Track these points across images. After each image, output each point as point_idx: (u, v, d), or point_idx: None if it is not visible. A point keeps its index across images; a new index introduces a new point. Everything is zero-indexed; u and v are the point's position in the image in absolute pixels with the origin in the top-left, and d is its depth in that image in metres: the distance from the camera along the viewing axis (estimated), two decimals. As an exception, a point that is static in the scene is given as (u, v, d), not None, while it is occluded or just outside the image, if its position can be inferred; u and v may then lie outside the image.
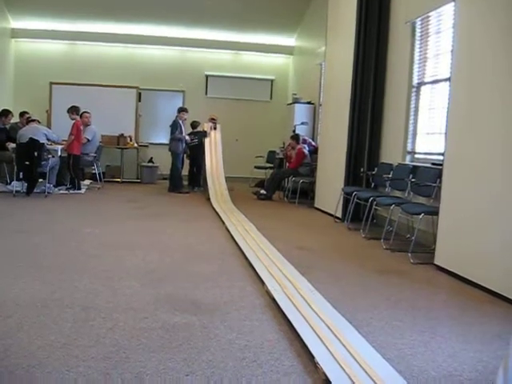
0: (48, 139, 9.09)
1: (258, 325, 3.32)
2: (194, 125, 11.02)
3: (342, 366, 2.66)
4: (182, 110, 10.68)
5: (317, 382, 2.59)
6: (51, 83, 11.99)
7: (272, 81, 13.70)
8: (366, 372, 2.62)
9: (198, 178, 11.00)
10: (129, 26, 12.51)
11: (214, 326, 3.25)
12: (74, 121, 9.57)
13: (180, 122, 10.46)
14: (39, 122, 9.58)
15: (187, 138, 10.59)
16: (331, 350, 2.84)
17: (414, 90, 6.87)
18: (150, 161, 12.31)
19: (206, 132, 10.75)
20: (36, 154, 8.59)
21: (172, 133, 10.37)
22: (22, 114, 10.20)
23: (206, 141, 10.58)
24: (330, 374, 2.58)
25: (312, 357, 2.80)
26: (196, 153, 10.82)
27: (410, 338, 3.24)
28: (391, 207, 6.10)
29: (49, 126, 11.28)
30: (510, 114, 4.25)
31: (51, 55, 12.72)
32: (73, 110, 9.69)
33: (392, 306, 3.88)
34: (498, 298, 4.15)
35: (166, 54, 13.20)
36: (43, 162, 8.78)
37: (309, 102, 11.32)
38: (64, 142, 9.66)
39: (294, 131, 10.65)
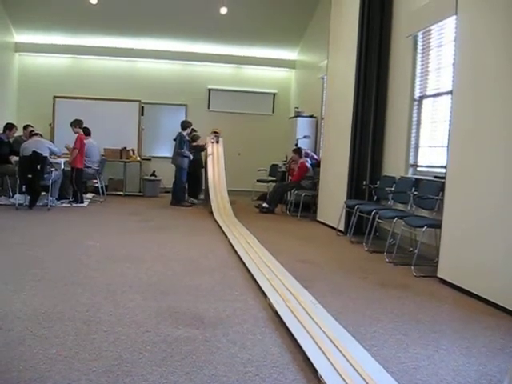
0: (51, 153, 9.11)
1: (261, 338, 3.31)
2: (193, 139, 11.02)
3: (344, 380, 2.65)
4: (188, 125, 10.68)
5: (320, 395, 2.58)
6: (54, 97, 12.04)
7: (274, 94, 13.74)
8: (369, 386, 2.60)
9: (195, 191, 11.00)
10: (131, 40, 12.61)
11: (217, 340, 3.24)
12: (77, 134, 9.61)
13: (187, 137, 10.49)
14: (41, 136, 9.60)
15: (191, 156, 10.61)
16: (334, 364, 2.83)
17: (416, 103, 6.88)
18: (153, 174, 12.33)
19: (202, 146, 10.83)
20: (39, 167, 8.62)
21: (180, 148, 10.34)
22: (25, 127, 10.22)
23: (209, 154, 10.61)
24: (333, 387, 2.57)
25: (315, 370, 2.78)
26: (192, 166, 10.80)
27: (413, 352, 3.22)
28: (394, 220, 6.09)
29: (52, 139, 11.29)
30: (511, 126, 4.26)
31: (55, 69, 12.79)
32: (76, 124, 9.74)
33: (395, 320, 3.86)
34: (502, 311, 4.14)
35: (168, 68, 13.26)
36: (46, 175, 8.80)
37: (311, 116, 11.36)
38: (67, 155, 9.71)
39: (296, 145, 10.66)
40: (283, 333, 3.41)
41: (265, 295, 4.19)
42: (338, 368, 2.78)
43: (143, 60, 13.05)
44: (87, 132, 10.21)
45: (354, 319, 3.79)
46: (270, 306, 3.94)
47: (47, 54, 12.72)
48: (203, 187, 11.15)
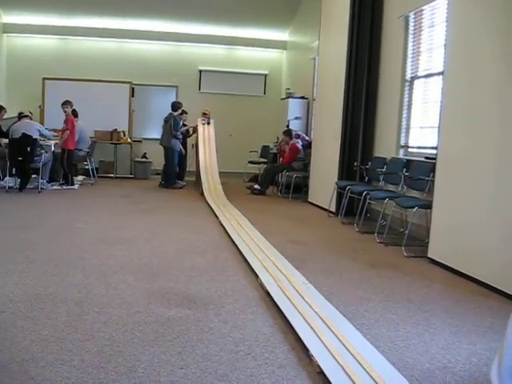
0: (41, 135, 9.05)
1: (253, 318, 3.33)
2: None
3: (336, 359, 2.67)
4: (179, 105, 10.57)
5: (311, 374, 2.60)
6: (44, 78, 11.92)
7: (265, 75, 13.68)
8: (359, 364, 2.63)
9: (180, 173, 10.94)
10: (122, 20, 12.47)
11: (209, 320, 3.25)
12: (66, 115, 9.50)
13: (179, 118, 10.40)
14: (31, 118, 9.51)
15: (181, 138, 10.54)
16: (325, 343, 2.85)
17: (408, 84, 6.87)
18: (144, 156, 12.28)
19: (188, 131, 10.79)
20: (29, 149, 8.56)
21: (176, 129, 10.22)
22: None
23: (200, 135, 10.56)
24: (324, 366, 2.59)
25: (306, 349, 2.81)
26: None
27: (403, 331, 3.25)
28: (385, 201, 6.11)
29: (41, 121, 11.22)
30: (503, 108, 4.26)
31: (44, 50, 12.66)
32: (67, 104, 9.62)
33: (386, 299, 3.89)
34: (491, 291, 4.18)
35: (159, 49, 13.16)
36: (36, 158, 8.75)
37: (302, 97, 11.33)
38: (56, 137, 9.65)
39: (287, 126, 10.65)
40: (275, 313, 3.43)
41: (256, 276, 4.20)
42: (329, 347, 2.80)
43: (134, 41, 12.93)
44: (75, 114, 10.11)
45: (345, 299, 3.82)
46: (262, 286, 3.95)
47: (36, 35, 12.56)
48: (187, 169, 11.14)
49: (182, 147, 10.62)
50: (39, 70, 12.06)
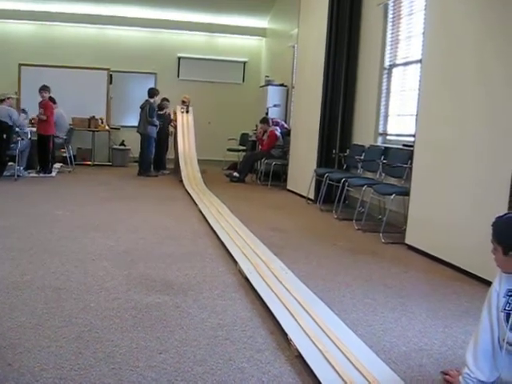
0: (13, 122, 8.80)
1: (231, 303, 3.33)
2: (161, 107, 10.79)
3: (314, 342, 2.69)
4: (156, 92, 10.49)
5: (290, 358, 2.62)
6: (20, 64, 11.74)
7: (245, 63, 13.61)
8: (338, 348, 2.65)
9: (163, 161, 10.89)
10: (100, 6, 12.27)
11: (187, 306, 3.26)
12: (43, 100, 9.33)
13: (154, 105, 10.32)
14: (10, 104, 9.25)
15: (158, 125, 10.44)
16: (304, 327, 2.87)
17: (386, 71, 6.90)
18: (122, 144, 12.17)
19: (170, 117, 10.73)
20: (5, 136, 8.42)
21: (150, 116, 10.12)
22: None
23: (179, 123, 10.50)
24: (302, 350, 2.61)
25: (285, 334, 2.83)
26: (159, 136, 10.63)
27: (381, 315, 3.29)
28: (363, 188, 6.15)
29: (18, 108, 11.05)
30: (481, 96, 4.30)
31: (20, 36, 12.42)
32: (45, 89, 9.45)
33: (364, 284, 3.92)
34: (467, 276, 4.23)
35: (137, 36, 13.01)
36: (12, 145, 8.61)
37: (281, 85, 11.32)
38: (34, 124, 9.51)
39: (266, 114, 10.63)
40: (253, 298, 3.44)
41: (235, 262, 4.21)
42: (307, 331, 2.82)
43: (112, 27, 12.72)
44: (52, 101, 9.95)
45: (323, 285, 3.85)
46: (241, 272, 3.96)
47: (13, 20, 12.30)
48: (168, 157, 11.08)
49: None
50: (15, 55, 11.85)
